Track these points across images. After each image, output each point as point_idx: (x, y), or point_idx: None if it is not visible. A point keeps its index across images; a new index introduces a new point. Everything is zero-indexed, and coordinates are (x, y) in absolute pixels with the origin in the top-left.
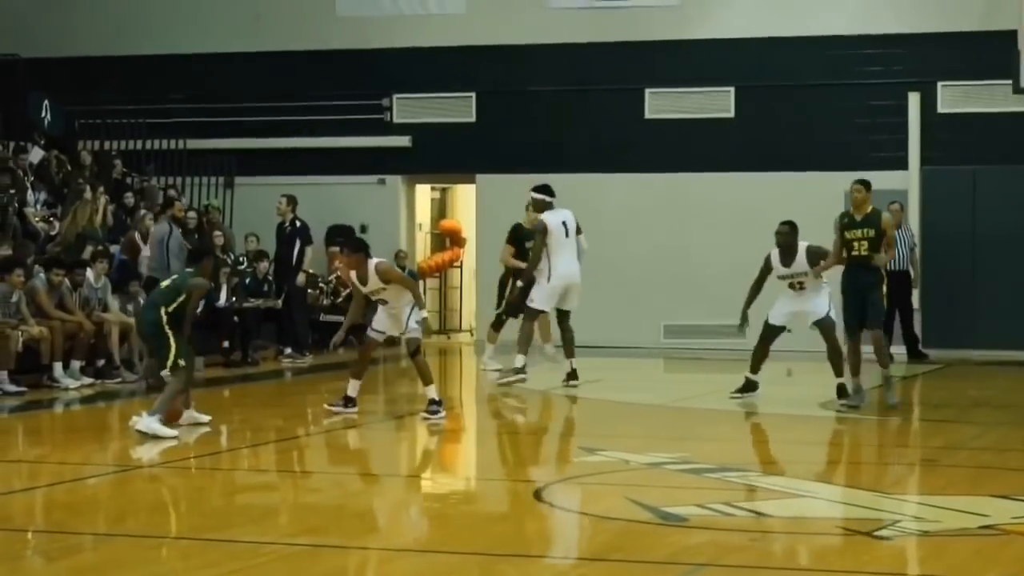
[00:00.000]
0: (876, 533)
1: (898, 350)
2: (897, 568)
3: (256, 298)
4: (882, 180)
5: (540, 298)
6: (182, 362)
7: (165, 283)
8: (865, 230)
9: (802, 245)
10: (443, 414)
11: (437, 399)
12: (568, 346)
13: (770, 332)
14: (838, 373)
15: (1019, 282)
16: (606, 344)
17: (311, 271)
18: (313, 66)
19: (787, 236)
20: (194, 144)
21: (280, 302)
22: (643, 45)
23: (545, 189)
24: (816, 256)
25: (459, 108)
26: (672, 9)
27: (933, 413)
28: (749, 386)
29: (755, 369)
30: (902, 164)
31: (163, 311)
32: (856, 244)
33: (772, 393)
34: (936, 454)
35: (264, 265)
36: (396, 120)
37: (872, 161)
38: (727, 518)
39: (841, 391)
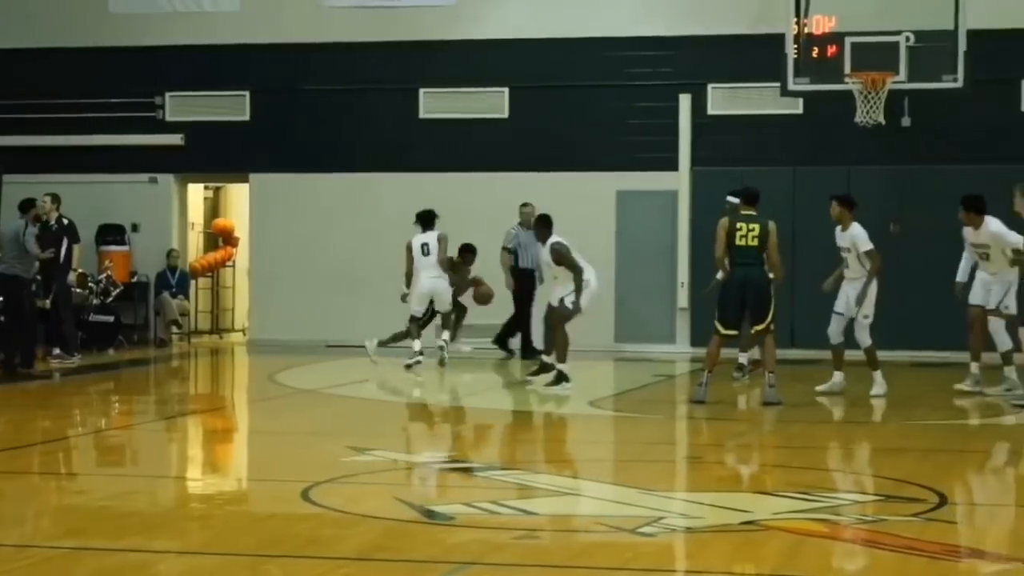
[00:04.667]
0: (640, 530)
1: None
2: (660, 564)
3: None
4: (653, 181)
5: None
6: None
7: None
8: None
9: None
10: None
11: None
12: None
13: None
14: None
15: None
16: None
17: (81, 270)
18: (84, 63)
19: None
20: None
21: (48, 302)
22: (418, 45)
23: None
24: None
25: (233, 106)
26: (447, 9)
27: (700, 411)
28: None
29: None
30: (673, 165)
31: None
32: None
33: (543, 392)
34: (701, 451)
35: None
36: (168, 118)
37: (644, 162)
38: (494, 516)
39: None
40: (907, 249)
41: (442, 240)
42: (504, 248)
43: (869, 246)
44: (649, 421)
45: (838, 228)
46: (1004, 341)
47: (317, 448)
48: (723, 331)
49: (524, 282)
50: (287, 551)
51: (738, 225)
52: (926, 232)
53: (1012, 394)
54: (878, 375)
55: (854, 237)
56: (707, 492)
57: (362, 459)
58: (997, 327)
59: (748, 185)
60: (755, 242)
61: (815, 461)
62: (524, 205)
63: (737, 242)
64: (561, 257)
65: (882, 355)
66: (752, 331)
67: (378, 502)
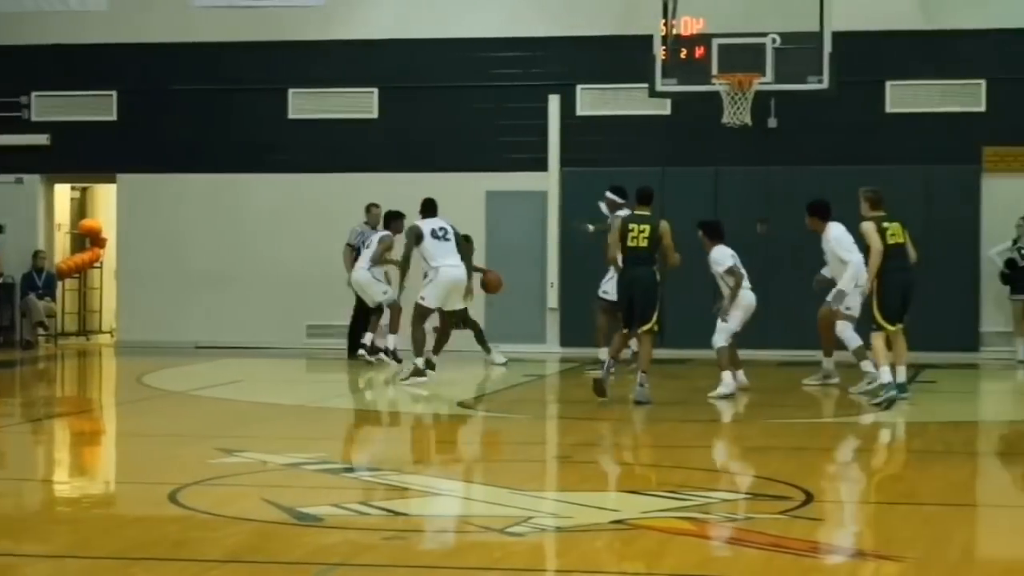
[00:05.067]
0: (509, 530)
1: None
2: (529, 564)
3: None
4: (523, 181)
5: None
6: None
7: None
8: None
9: None
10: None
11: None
12: None
13: None
14: None
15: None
16: (249, 344)
17: None
18: None
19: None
20: None
21: None
22: (287, 45)
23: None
24: None
25: (100, 106)
26: (316, 10)
27: (569, 410)
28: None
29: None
30: (542, 165)
31: None
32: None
33: (412, 392)
34: (571, 451)
35: None
36: (35, 118)
37: (514, 162)
38: (362, 517)
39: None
40: (773, 249)
41: (383, 240)
42: (347, 244)
43: (725, 265)
44: (519, 421)
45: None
46: (851, 338)
47: (185, 450)
48: (624, 330)
49: None
50: (154, 554)
51: (630, 226)
52: (792, 232)
53: (874, 388)
54: (727, 375)
55: (712, 261)
56: (577, 492)
57: (230, 461)
58: (842, 327)
59: (644, 185)
60: (645, 242)
61: (683, 460)
62: (373, 205)
63: (629, 242)
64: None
65: (748, 354)
66: (639, 331)
67: (247, 504)
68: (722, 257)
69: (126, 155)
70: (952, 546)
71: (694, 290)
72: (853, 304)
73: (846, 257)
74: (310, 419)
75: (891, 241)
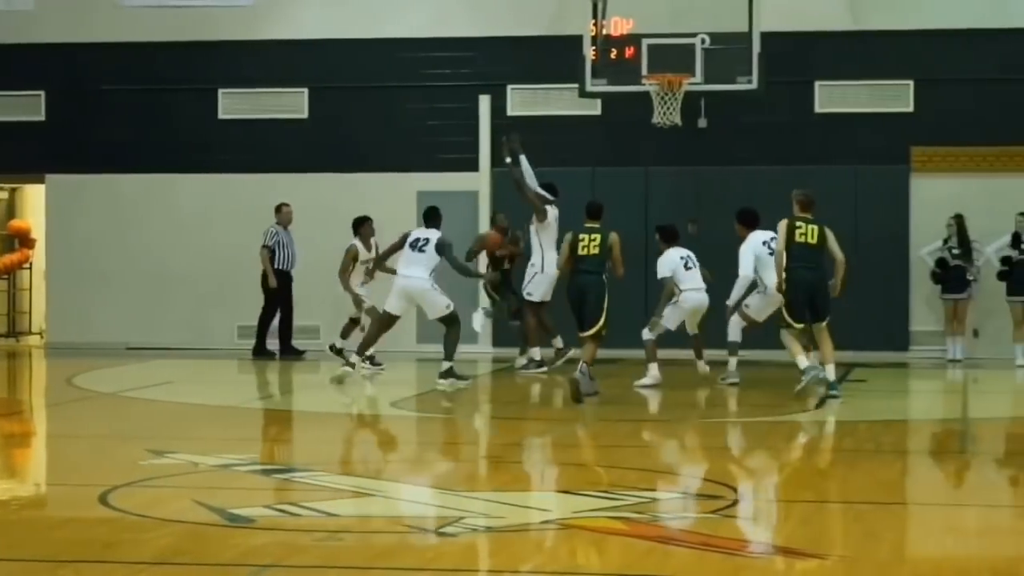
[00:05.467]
0: (441, 530)
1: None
2: (461, 564)
3: None
4: (453, 182)
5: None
6: None
7: None
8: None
9: None
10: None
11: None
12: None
13: None
14: None
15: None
16: (179, 345)
17: None
18: None
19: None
20: None
21: None
22: (216, 45)
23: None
24: None
25: (28, 107)
26: (245, 10)
27: (501, 410)
28: None
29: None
30: (473, 166)
31: None
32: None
33: (345, 393)
34: (502, 451)
35: None
36: None
37: (444, 163)
38: (294, 518)
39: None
40: (704, 249)
41: (348, 250)
42: (264, 246)
43: (661, 275)
44: (451, 421)
45: None
46: (734, 333)
47: (116, 452)
48: (579, 333)
49: (278, 282)
50: (84, 556)
51: (581, 236)
52: (723, 232)
53: (728, 381)
54: (653, 367)
55: (659, 263)
56: (508, 492)
57: (161, 462)
58: (733, 320)
59: (593, 199)
60: (596, 250)
61: (616, 460)
62: (284, 205)
63: (579, 251)
64: None
65: (681, 354)
66: (581, 335)
67: (178, 505)
68: (662, 266)
69: (55, 156)
70: (882, 544)
71: (624, 291)
72: (752, 303)
73: (740, 270)
74: (241, 420)
75: (799, 240)
